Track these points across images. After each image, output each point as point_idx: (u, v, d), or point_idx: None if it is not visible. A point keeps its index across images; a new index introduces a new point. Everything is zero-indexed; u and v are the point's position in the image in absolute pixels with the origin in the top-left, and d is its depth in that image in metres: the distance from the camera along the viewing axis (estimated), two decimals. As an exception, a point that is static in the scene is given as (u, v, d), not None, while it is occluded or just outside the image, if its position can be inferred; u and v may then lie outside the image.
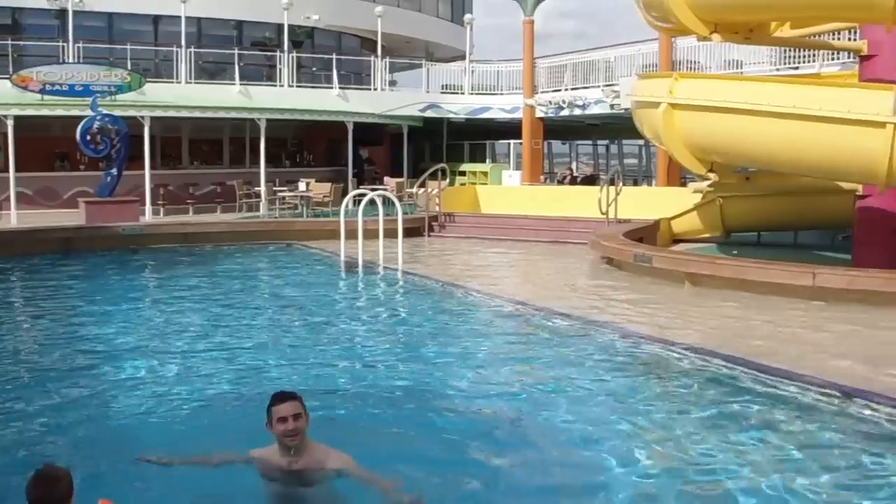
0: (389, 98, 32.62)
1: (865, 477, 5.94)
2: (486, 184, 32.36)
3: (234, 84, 28.93)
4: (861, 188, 14.91)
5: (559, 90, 30.90)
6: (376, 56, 32.65)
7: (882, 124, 11.83)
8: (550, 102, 30.87)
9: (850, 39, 18.31)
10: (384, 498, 5.16)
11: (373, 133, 33.79)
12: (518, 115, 32.27)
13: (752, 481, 5.80)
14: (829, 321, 11.02)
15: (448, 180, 26.32)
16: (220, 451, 5.68)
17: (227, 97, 28.10)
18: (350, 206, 17.00)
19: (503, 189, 30.12)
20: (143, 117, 24.31)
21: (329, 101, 30.22)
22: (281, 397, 5.26)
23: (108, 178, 21.33)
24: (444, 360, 9.39)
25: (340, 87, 30.72)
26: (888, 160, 11.87)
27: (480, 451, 6.46)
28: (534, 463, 6.36)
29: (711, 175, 15.00)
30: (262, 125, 26.34)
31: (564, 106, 30.30)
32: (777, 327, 10.71)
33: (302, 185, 25.81)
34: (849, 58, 18.98)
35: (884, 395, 7.54)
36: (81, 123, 20.74)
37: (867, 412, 7.21)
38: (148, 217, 23.50)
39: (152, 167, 25.03)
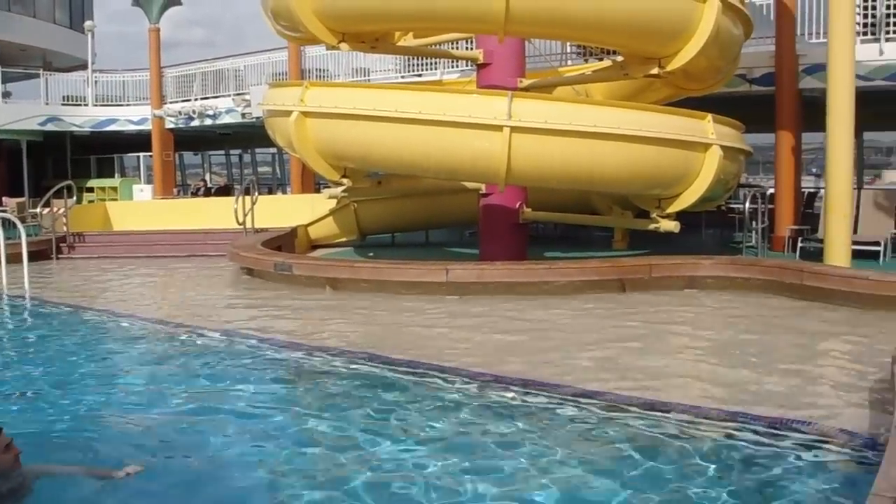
0: (4, 111, 30.47)
1: (493, 454, 6.32)
2: (116, 199, 31.13)
3: None
4: (484, 187, 15.87)
5: (189, 100, 30.34)
6: (-14, 66, 30.37)
7: (499, 127, 12.65)
8: (180, 113, 30.23)
9: (467, 49, 19.41)
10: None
11: (-14, 150, 31.48)
12: (147, 126, 31.33)
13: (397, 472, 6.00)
14: (463, 313, 11.67)
15: (75, 198, 24.95)
16: None
17: None
18: (-35, 230, 15.68)
19: (135, 204, 29.04)
20: None
21: (-67, 115, 27.66)
22: None
23: None
24: (86, 388, 8.80)
25: (-55, 101, 28.24)
26: (506, 160, 12.72)
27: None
28: (186, 482, 6.17)
29: (345, 180, 15.29)
30: None
31: (195, 116, 29.80)
32: (417, 324, 11.18)
33: None
34: (467, 66, 20.17)
35: (518, 378, 8.17)
36: None
37: (509, 396, 7.72)
38: None
39: None
